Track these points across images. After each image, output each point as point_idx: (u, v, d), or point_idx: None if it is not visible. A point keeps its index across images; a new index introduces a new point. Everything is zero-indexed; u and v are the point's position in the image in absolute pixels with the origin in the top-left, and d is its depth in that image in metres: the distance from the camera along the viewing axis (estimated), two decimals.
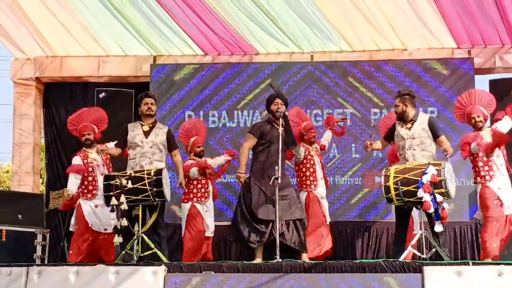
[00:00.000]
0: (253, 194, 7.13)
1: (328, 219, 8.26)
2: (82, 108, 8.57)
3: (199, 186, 8.23)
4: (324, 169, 8.44)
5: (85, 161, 7.99)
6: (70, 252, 7.89)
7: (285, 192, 7.13)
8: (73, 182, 7.95)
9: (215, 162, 8.62)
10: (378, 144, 7.55)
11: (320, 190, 8.19)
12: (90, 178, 7.95)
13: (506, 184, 7.29)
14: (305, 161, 8.16)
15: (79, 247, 7.82)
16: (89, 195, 7.92)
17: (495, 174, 7.21)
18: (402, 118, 7.13)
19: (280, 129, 7.16)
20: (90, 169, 7.97)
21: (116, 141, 7.75)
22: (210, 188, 8.35)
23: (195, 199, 8.19)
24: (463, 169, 9.04)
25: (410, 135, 7.03)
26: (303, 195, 7.99)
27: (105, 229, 7.87)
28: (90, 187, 7.93)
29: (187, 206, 8.22)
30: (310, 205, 8.00)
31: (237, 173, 7.31)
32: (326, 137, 8.64)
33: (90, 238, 7.86)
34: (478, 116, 7.39)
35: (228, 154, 8.68)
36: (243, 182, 7.23)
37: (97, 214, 7.87)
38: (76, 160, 8.04)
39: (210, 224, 8.27)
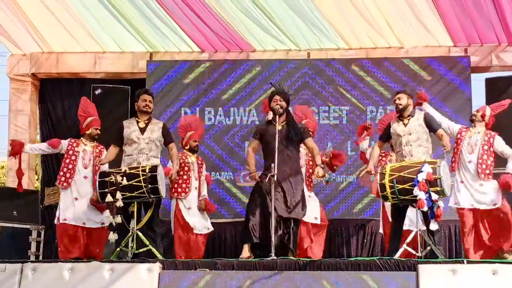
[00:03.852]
0: (252, 194, 7.18)
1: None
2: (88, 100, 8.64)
3: (180, 181, 8.19)
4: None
5: (74, 149, 7.99)
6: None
7: (279, 188, 6.97)
8: (39, 145, 8.18)
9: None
10: (375, 156, 7.39)
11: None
12: (70, 166, 7.94)
13: None
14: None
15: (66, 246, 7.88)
16: (65, 184, 7.93)
17: None
18: (402, 113, 7.16)
19: (278, 126, 7.11)
20: (73, 157, 7.97)
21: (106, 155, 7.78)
22: (193, 183, 8.29)
23: (175, 194, 8.20)
24: None
25: (406, 131, 7.07)
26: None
27: (83, 223, 7.88)
28: (68, 175, 7.91)
29: (173, 202, 8.26)
30: None
31: (249, 174, 7.30)
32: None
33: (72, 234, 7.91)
34: (477, 111, 7.77)
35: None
36: (258, 179, 7.10)
37: (76, 207, 7.87)
38: (62, 141, 8.13)
39: (194, 222, 8.21)
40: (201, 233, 8.28)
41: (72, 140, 8.10)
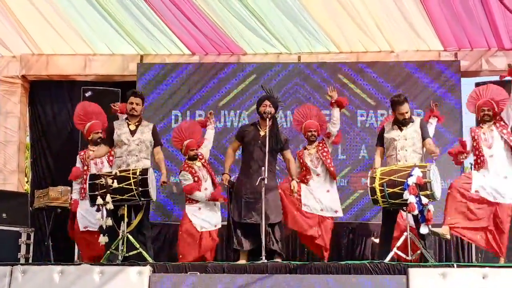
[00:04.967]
0: (233, 199, 7.38)
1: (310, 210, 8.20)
2: (81, 103, 8.82)
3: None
4: (325, 163, 8.28)
5: (85, 159, 8.02)
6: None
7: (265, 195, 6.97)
8: (76, 191, 8.29)
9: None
10: (378, 161, 7.33)
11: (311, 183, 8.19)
12: (84, 176, 7.95)
13: None
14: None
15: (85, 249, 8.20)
16: (84, 194, 7.98)
17: None
18: (406, 122, 7.14)
19: (263, 132, 7.18)
20: (85, 167, 8.05)
21: (100, 145, 7.80)
22: (203, 185, 8.24)
23: (187, 201, 8.26)
24: (448, 171, 9.06)
25: (402, 136, 7.06)
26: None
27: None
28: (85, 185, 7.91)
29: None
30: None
31: (222, 175, 7.59)
32: (334, 120, 8.25)
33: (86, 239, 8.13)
34: (489, 110, 7.32)
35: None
36: (226, 183, 7.44)
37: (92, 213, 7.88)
38: (77, 164, 8.29)
39: (202, 222, 8.21)
40: (209, 230, 8.24)
41: (82, 153, 8.28)
